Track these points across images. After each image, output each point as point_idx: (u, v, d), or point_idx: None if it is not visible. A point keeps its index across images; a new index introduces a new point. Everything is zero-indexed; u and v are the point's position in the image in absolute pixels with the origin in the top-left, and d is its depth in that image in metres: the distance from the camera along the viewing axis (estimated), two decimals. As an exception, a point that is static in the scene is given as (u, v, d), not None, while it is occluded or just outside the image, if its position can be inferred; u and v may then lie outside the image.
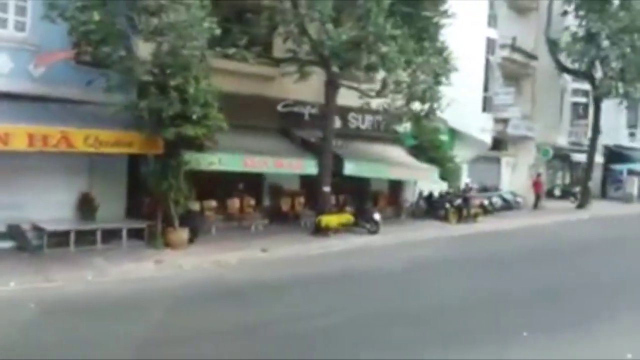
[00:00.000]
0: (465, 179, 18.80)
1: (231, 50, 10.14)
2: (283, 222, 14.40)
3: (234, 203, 13.85)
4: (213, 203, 13.25)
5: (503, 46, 21.84)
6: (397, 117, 13.54)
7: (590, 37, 20.69)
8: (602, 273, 10.07)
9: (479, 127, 19.80)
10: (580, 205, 23.06)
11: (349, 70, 11.96)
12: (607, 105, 24.41)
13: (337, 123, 15.48)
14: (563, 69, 22.13)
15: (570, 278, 9.54)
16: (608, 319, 6.81)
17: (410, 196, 18.56)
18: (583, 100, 27.27)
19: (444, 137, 19.67)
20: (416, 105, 13.82)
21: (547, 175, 28.37)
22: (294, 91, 13.97)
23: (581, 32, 21.19)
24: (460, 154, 20.62)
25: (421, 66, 13.04)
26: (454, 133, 20.20)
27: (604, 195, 30.87)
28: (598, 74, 21.77)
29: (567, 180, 30.12)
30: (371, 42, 10.87)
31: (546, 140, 25.16)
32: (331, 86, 12.78)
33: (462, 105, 19.52)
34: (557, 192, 26.63)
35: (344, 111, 15.20)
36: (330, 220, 13.06)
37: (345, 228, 13.79)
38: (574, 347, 5.75)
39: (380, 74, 13.29)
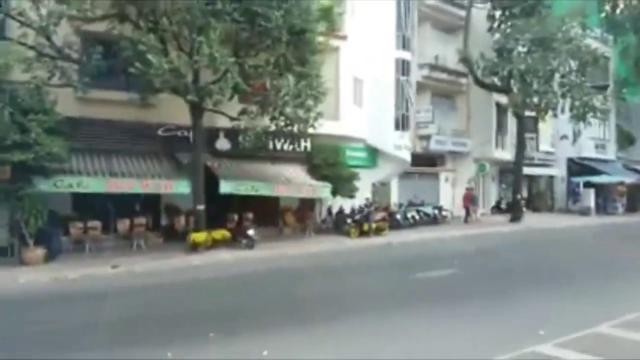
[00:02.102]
0: (367, 195, 19.24)
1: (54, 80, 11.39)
2: (175, 240, 15.27)
3: (124, 223, 14.87)
4: (97, 223, 14.30)
5: (422, 65, 22.50)
6: (260, 136, 14.30)
7: (501, 52, 21.09)
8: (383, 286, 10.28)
9: (394, 144, 20.32)
10: (514, 219, 22.93)
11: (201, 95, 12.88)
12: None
13: (226, 144, 16.55)
14: (481, 84, 22.46)
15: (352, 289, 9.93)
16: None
17: (323, 213, 19.22)
18: (532, 114, 27.21)
19: (361, 154, 20.40)
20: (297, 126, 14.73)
21: (499, 189, 28.38)
22: (175, 116, 15.08)
23: (508, 45, 21.54)
24: (383, 172, 21.22)
25: (287, 90, 13.95)
26: (375, 151, 20.82)
27: (568, 208, 30.38)
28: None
29: (525, 193, 29.80)
30: (205, 68, 11.97)
31: (484, 155, 25.33)
32: (194, 110, 13.81)
33: (379, 124, 20.41)
34: (503, 205, 26.47)
35: (231, 133, 16.16)
36: (198, 236, 13.85)
37: (223, 244, 14.61)
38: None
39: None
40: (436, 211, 21.71)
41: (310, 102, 14.33)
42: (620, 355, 6.22)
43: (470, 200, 22.94)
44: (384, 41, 20.37)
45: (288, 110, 13.99)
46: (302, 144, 17.90)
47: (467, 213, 22.67)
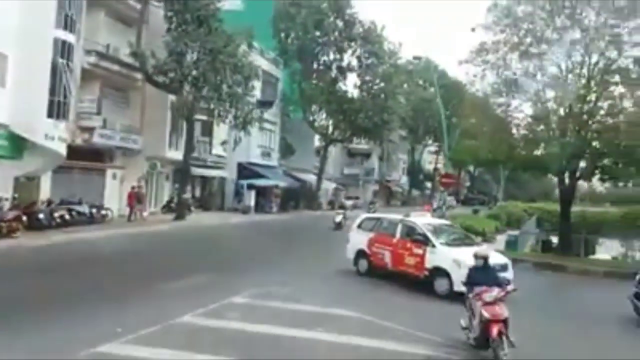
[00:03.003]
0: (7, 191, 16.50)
1: None
2: None
3: None
4: None
5: (89, 52, 20.81)
6: None
7: (172, 54, 21.58)
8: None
9: (46, 134, 17.89)
10: (178, 217, 23.87)
11: None
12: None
13: None
14: (153, 82, 22.50)
15: None
16: None
17: None
18: (203, 118, 28.73)
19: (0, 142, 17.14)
20: None
21: (173, 188, 28.99)
22: None
23: (179, 49, 21.96)
24: (31, 164, 18.37)
25: None
26: (20, 140, 17.77)
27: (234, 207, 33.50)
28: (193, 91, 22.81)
29: (198, 194, 31.57)
30: None
31: (156, 154, 25.46)
32: None
33: (27, 109, 17.49)
34: (174, 204, 27.17)
35: None
36: None
37: None
38: None
39: None
40: (94, 210, 20.31)
41: None
42: (193, 343, 6.88)
43: (136, 199, 22.53)
44: (40, 16, 17.66)
45: None
46: None
47: (131, 212, 22.20)
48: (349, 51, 39.56)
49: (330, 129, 41.87)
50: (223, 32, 22.51)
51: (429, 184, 77.15)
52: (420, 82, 60.32)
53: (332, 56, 39.61)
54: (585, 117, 15.45)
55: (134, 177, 24.46)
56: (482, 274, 7.56)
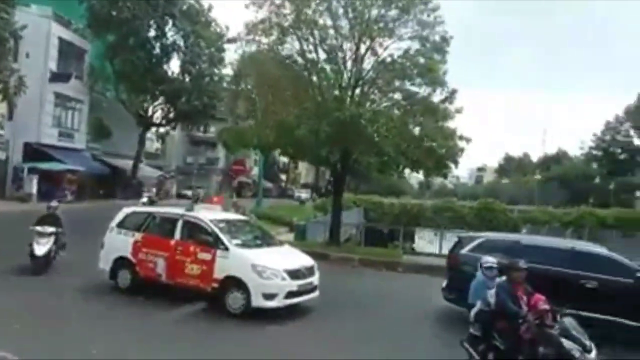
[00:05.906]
0: None
1: None
2: None
3: None
4: None
5: None
6: None
7: None
8: None
9: None
10: None
11: None
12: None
13: None
14: None
15: None
16: None
17: None
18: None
19: None
20: None
21: None
22: None
23: None
24: None
25: None
26: None
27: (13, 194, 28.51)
28: None
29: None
30: None
31: None
32: None
33: None
34: None
35: None
36: None
37: None
38: None
39: None
40: None
41: None
42: None
43: None
44: None
45: None
46: None
47: None
48: (173, 29, 36.48)
49: (150, 111, 38.27)
50: None
51: (283, 177, 77.23)
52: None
53: (152, 32, 36.09)
54: (337, 104, 15.13)
55: None
56: None
